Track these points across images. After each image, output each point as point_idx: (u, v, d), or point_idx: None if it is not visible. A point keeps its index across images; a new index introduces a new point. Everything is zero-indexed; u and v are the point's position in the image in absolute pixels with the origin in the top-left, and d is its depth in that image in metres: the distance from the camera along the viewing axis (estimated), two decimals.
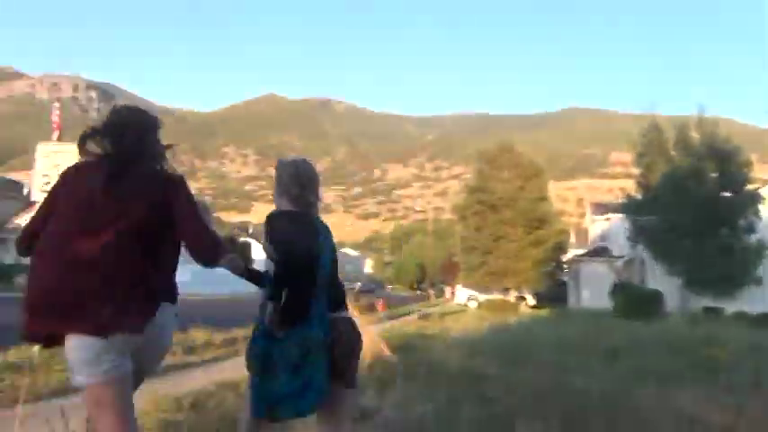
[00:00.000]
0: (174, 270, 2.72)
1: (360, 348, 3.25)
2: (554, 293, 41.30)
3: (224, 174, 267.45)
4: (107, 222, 2.42)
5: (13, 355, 8.07)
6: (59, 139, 9.62)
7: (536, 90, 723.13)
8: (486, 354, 9.80)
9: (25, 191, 52.22)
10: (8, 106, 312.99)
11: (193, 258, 2.56)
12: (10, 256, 45.95)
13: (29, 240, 2.58)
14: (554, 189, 64.86)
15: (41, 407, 5.48)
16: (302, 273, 2.97)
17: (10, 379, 6.63)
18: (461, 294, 46.48)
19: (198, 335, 11.93)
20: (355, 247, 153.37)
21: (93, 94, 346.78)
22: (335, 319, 3.14)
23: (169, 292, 2.62)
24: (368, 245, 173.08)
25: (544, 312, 32.08)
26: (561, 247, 43.69)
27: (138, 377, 2.54)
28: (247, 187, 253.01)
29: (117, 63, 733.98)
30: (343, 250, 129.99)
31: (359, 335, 3.25)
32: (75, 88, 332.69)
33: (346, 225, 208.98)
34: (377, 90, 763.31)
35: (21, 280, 37.00)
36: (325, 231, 3.18)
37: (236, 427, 3.84)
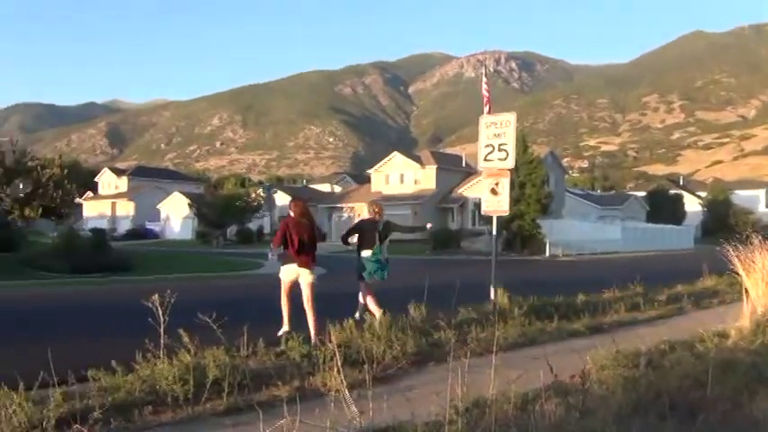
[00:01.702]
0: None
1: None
2: None
3: (646, 125, 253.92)
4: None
5: (469, 311, 9.07)
6: (489, 111, 10.69)
7: None
8: None
9: (463, 163, 58.08)
10: (441, 88, 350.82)
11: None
12: (455, 224, 51.83)
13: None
14: None
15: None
16: (368, 233, 8.98)
17: (475, 332, 7.65)
18: None
19: (637, 291, 12.00)
20: None
21: (514, 64, 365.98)
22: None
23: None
24: None
25: None
26: None
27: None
28: (673, 136, 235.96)
29: (529, 31, 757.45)
30: None
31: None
32: (498, 62, 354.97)
33: None
34: None
35: (468, 244, 41.37)
36: (382, 224, 9.07)
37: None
